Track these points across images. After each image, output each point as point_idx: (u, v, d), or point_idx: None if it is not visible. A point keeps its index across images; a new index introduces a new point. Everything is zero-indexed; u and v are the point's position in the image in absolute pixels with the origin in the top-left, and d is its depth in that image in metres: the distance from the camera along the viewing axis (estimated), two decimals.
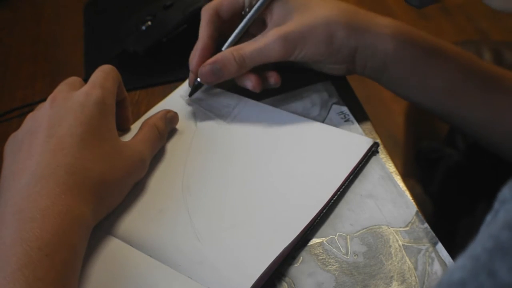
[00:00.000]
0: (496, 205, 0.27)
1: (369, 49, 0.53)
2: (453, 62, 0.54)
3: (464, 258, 0.25)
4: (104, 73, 0.49)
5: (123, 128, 0.53)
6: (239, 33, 0.55)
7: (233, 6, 0.56)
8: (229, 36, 0.55)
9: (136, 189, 0.48)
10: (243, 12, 0.56)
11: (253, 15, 0.54)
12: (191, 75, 0.56)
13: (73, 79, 0.49)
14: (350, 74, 0.57)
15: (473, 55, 0.56)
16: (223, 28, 0.56)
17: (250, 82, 0.55)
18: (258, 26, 0.56)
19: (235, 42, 0.55)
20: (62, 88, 0.48)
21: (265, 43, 0.52)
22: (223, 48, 0.55)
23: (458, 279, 0.24)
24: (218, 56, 0.53)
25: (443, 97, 0.54)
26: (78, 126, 0.44)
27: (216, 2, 0.56)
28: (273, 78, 0.55)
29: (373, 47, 0.53)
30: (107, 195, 0.44)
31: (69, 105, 0.45)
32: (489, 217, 0.27)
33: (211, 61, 0.53)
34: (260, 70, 0.55)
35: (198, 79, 0.55)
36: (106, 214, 0.45)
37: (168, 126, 0.52)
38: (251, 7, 0.54)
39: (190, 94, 0.57)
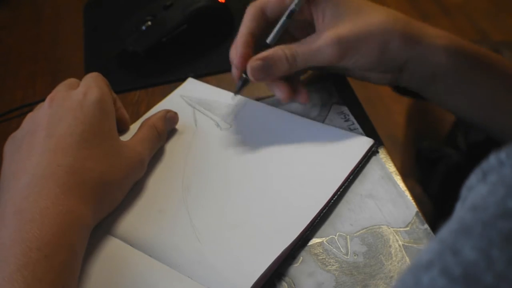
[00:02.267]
0: (464, 192, 0.28)
1: (420, 60, 0.51)
2: (499, 71, 0.53)
3: (432, 241, 0.26)
4: (94, 77, 0.49)
5: (121, 129, 0.53)
6: (283, 25, 0.52)
7: (279, 5, 0.52)
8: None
9: (136, 189, 0.48)
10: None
11: (298, 4, 0.51)
12: (235, 70, 0.53)
13: (71, 80, 0.49)
14: (392, 85, 0.55)
15: None
16: (266, 27, 0.53)
17: (280, 92, 0.52)
18: (302, 28, 0.54)
19: (280, 36, 0.53)
20: (60, 88, 0.48)
21: (319, 45, 0.50)
22: (268, 40, 0.52)
23: (425, 260, 0.25)
24: (269, 52, 0.51)
25: (488, 106, 0.53)
26: (78, 125, 0.44)
27: (263, 0, 0.53)
28: (303, 97, 0.53)
29: (425, 58, 0.51)
30: (107, 195, 0.44)
31: (68, 104, 0.45)
32: (458, 205, 0.28)
33: (262, 56, 0.51)
34: (291, 81, 0.53)
35: (244, 75, 0.52)
36: (106, 214, 0.45)
37: (167, 126, 0.52)
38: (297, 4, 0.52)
39: (237, 91, 0.54)
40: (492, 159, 0.27)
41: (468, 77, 0.52)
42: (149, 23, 0.65)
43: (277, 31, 0.52)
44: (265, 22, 0.53)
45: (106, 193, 0.44)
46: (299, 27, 0.54)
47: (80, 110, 0.45)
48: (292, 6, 0.51)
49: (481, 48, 0.53)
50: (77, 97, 0.46)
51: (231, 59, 0.53)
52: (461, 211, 0.26)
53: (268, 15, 0.53)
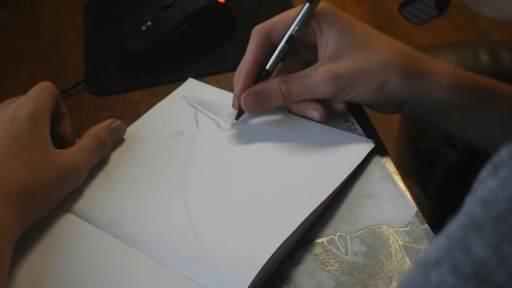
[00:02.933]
0: (475, 185, 0.28)
1: (421, 97, 0.51)
2: (504, 101, 0.52)
3: (441, 237, 0.26)
4: (40, 89, 0.49)
5: (65, 144, 0.51)
6: (281, 51, 0.52)
7: (285, 30, 0.51)
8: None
9: (136, 186, 0.49)
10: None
11: (297, 27, 0.51)
12: (235, 100, 0.53)
13: (13, 99, 0.50)
14: (396, 113, 0.55)
15: None
16: (271, 52, 0.52)
17: (315, 112, 0.52)
18: (309, 49, 0.53)
19: (278, 62, 0.53)
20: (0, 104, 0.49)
21: (314, 81, 0.50)
22: (267, 67, 0.52)
23: (434, 257, 0.24)
24: (264, 85, 0.51)
25: (495, 135, 0.53)
26: (8, 138, 0.45)
27: (268, 24, 0.52)
28: (320, 113, 0.52)
29: (425, 95, 0.51)
30: (33, 205, 0.44)
31: (1, 118, 0.46)
32: (468, 198, 0.27)
33: (256, 90, 0.51)
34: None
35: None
36: (34, 222, 0.45)
37: (113, 136, 0.52)
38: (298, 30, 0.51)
39: (237, 118, 0.54)
40: (503, 153, 0.27)
41: (471, 111, 0.52)
42: (149, 23, 0.65)
43: (276, 57, 0.52)
44: (271, 47, 0.52)
45: (33, 203, 0.44)
46: (307, 49, 0.54)
47: (10, 123, 0.46)
48: (291, 31, 0.51)
49: (485, 79, 0.53)
50: (10, 112, 0.47)
51: (234, 87, 0.53)
52: (470, 206, 0.26)
53: (274, 40, 0.52)
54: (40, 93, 0.49)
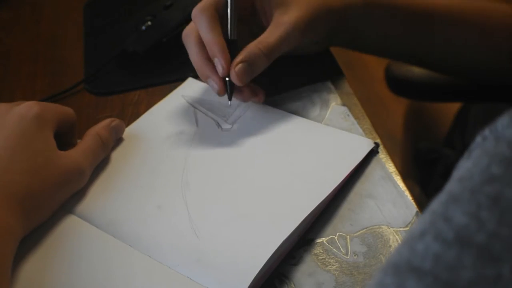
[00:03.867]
0: (453, 173, 0.30)
1: (344, 24, 0.55)
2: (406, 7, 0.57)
3: (423, 214, 0.27)
4: (55, 105, 0.50)
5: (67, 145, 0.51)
6: (233, 17, 0.53)
7: None
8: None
9: (135, 186, 0.49)
10: None
11: None
12: (218, 82, 0.52)
13: (17, 102, 0.50)
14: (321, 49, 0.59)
15: None
16: (223, 24, 0.53)
17: (241, 96, 0.54)
18: (246, 11, 0.55)
19: (235, 28, 0.53)
20: (6, 104, 0.49)
21: (286, 32, 0.51)
22: (230, 37, 0.53)
23: (418, 230, 0.26)
24: (245, 53, 0.51)
25: (404, 40, 0.59)
26: (13, 138, 0.45)
27: (209, 0, 0.53)
28: (261, 96, 0.54)
29: (346, 20, 0.55)
30: (36, 207, 0.44)
31: (9, 117, 0.46)
32: (447, 184, 0.29)
33: (241, 59, 0.51)
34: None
35: (227, 79, 0.52)
36: (36, 225, 0.45)
37: (113, 135, 0.52)
38: None
39: (230, 96, 0.53)
40: (477, 138, 0.29)
41: (382, 22, 0.57)
42: (149, 23, 0.65)
43: (232, 24, 0.53)
44: (223, 20, 0.53)
45: (35, 205, 0.44)
46: (246, 10, 0.55)
47: (17, 124, 0.46)
48: None
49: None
50: (17, 112, 0.47)
51: (205, 75, 0.53)
52: (448, 185, 0.28)
53: (220, 12, 0.53)
54: (53, 104, 0.50)
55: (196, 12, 0.52)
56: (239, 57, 0.51)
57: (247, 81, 0.52)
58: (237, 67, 0.51)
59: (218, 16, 0.53)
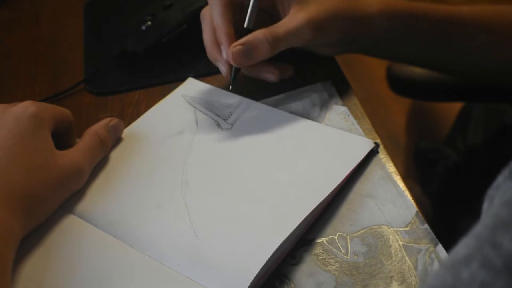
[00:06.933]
0: (491, 192, 0.28)
1: (361, 33, 0.55)
2: (433, 18, 0.57)
3: (467, 238, 0.26)
4: (52, 106, 0.50)
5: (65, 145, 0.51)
6: (254, 5, 0.53)
7: None
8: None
9: (135, 186, 0.49)
10: None
11: None
12: (224, 65, 0.54)
13: (16, 103, 0.50)
14: (341, 54, 0.59)
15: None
16: (236, 12, 0.54)
17: (270, 74, 0.54)
18: (267, 2, 0.55)
19: (254, 18, 0.53)
20: (2, 104, 0.49)
21: (297, 27, 0.51)
22: (245, 25, 0.53)
23: (463, 255, 0.25)
24: (249, 37, 0.51)
25: (431, 50, 0.59)
26: (11, 138, 0.44)
27: None
28: (290, 70, 0.56)
29: (367, 30, 0.55)
30: (35, 208, 0.44)
31: (6, 117, 0.46)
32: (485, 205, 0.28)
33: (242, 41, 0.51)
34: (272, 61, 0.54)
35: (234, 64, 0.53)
36: (36, 225, 0.45)
37: (112, 135, 0.52)
38: None
39: (232, 82, 0.54)
40: None
41: (405, 32, 0.56)
42: (149, 23, 0.65)
43: (251, 13, 0.52)
44: (235, 7, 0.54)
45: (35, 205, 0.44)
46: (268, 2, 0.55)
47: (15, 123, 0.45)
48: None
49: (412, 3, 0.57)
50: (15, 111, 0.46)
51: (213, 57, 0.54)
52: (493, 209, 0.26)
53: (237, 1, 0.53)
54: (49, 104, 0.49)
55: None
56: (243, 39, 0.52)
57: (245, 64, 0.52)
58: (235, 48, 0.51)
59: (234, 3, 0.53)
